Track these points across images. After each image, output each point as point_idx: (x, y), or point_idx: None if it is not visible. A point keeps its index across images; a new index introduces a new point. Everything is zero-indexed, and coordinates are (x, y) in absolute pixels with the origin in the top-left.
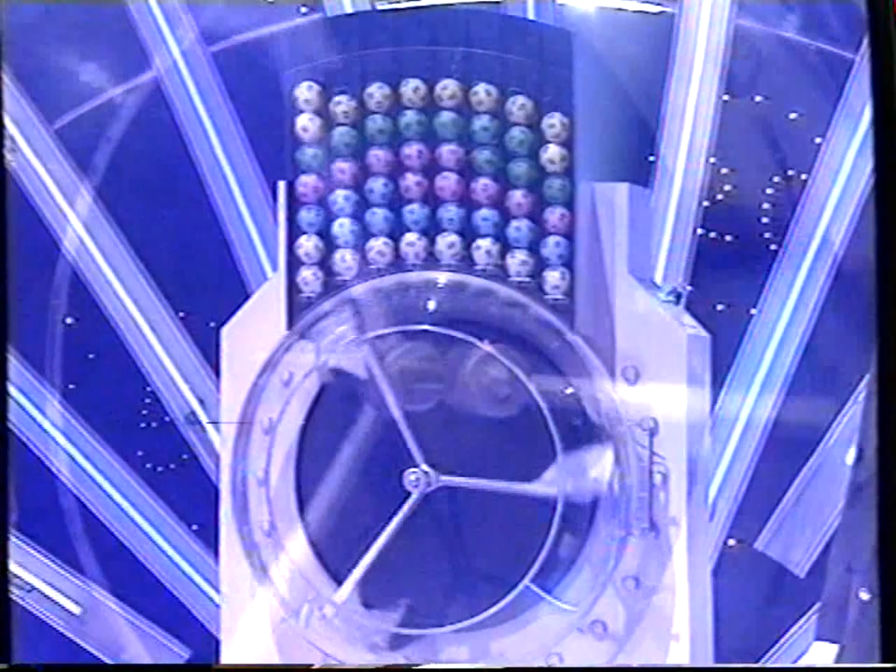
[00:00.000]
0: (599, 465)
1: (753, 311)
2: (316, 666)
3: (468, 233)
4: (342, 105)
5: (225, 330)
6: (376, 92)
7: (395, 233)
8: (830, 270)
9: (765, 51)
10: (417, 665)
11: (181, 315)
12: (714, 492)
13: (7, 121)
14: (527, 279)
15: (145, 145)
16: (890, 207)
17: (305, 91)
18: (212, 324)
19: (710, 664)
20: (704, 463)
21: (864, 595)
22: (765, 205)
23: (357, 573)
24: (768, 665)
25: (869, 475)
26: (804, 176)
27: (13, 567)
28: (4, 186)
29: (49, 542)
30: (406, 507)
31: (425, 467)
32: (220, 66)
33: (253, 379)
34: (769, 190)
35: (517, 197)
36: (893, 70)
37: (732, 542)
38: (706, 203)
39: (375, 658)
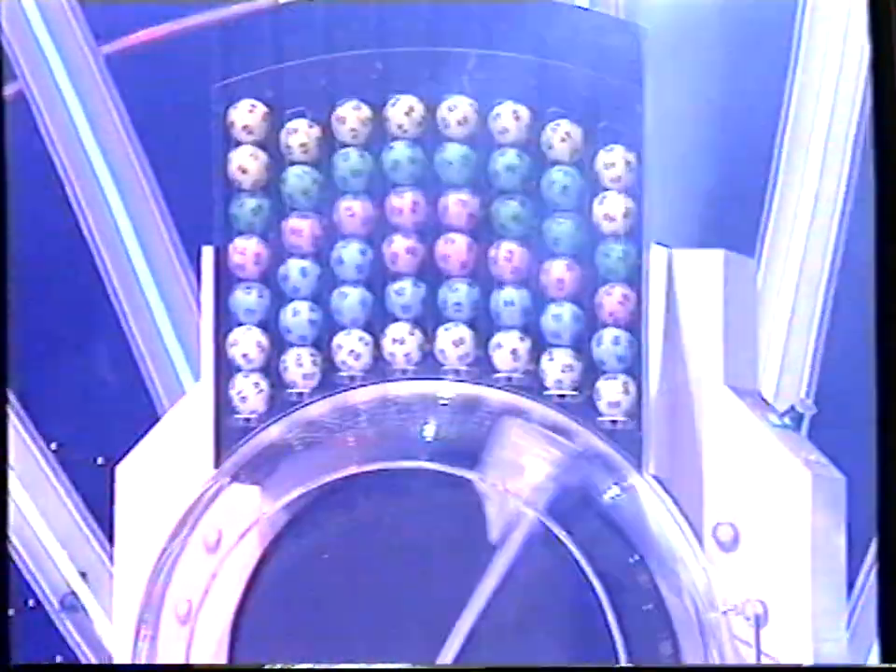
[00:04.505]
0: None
1: None
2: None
3: (483, 325)
4: (298, 133)
5: (121, 469)
6: (350, 115)
7: (375, 325)
8: None
9: None
10: (416, 665)
11: (53, 446)
12: None
13: None
14: (573, 392)
15: (3, 186)
16: (890, 208)
17: (245, 114)
18: (100, 459)
19: None
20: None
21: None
22: None
23: None
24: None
25: None
26: None
27: None
28: (4, 192)
29: None
30: None
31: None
32: (116, 75)
33: (163, 542)
34: None
35: (558, 270)
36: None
37: None
38: (837, 280)
39: None
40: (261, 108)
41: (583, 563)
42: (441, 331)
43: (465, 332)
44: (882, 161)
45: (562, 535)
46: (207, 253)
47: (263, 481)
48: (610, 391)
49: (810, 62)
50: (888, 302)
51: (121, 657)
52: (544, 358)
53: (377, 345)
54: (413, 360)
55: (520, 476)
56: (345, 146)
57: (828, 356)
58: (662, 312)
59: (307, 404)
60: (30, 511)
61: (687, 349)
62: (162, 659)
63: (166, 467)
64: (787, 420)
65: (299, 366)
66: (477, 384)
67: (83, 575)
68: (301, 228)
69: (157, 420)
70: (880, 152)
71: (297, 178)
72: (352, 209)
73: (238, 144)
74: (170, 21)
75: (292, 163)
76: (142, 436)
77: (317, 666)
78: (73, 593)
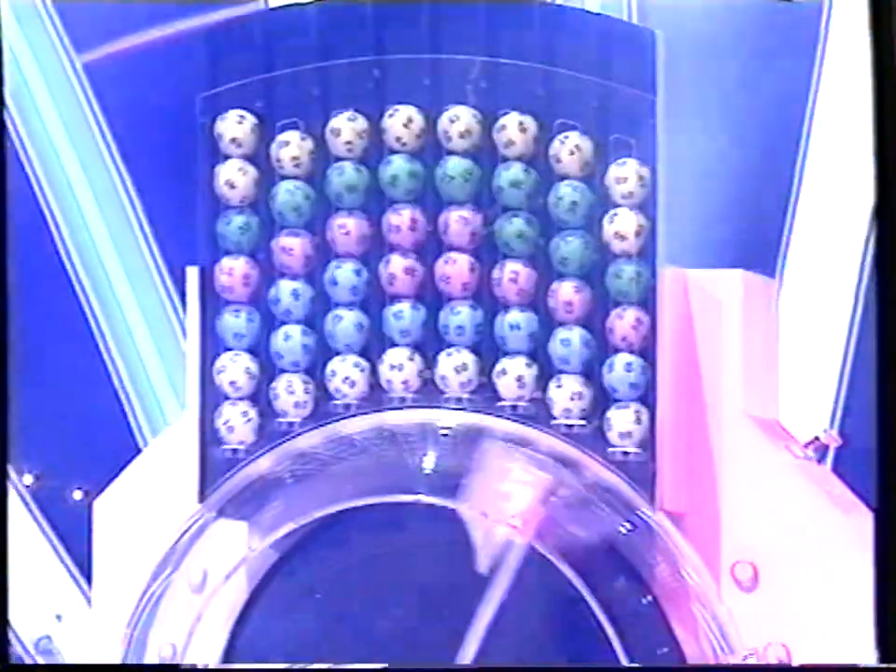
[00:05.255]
0: None
1: None
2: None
3: (487, 350)
4: (290, 146)
5: (99, 504)
6: (345, 127)
7: (372, 350)
8: None
9: None
10: (417, 665)
11: (27, 479)
12: None
13: None
14: (581, 422)
15: (3, 188)
16: (890, 210)
17: (233, 125)
18: (77, 493)
19: None
20: None
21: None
22: None
23: None
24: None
25: None
26: None
27: None
28: (4, 189)
29: None
30: None
31: None
32: (96, 85)
33: (145, 582)
34: None
35: (566, 292)
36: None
37: None
38: (864, 301)
39: None
40: (250, 119)
41: (592, 604)
42: (441, 357)
43: (467, 358)
44: (883, 161)
45: (570, 574)
46: (192, 274)
47: (251, 516)
48: (622, 420)
49: (836, 72)
50: (889, 306)
51: None
52: (552, 386)
53: (374, 372)
54: (411, 388)
55: (506, 502)
56: (340, 159)
57: (854, 383)
58: (677, 336)
59: (298, 434)
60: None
61: (703, 376)
62: None
63: (148, 501)
64: (810, 452)
65: (290, 394)
66: (480, 412)
67: (58, 617)
68: (292, 247)
69: (138, 451)
70: (881, 152)
71: (288, 194)
72: (346, 227)
73: (226, 157)
74: (153, 28)
75: (283, 178)
76: (122, 468)
77: (316, 666)
78: (46, 636)
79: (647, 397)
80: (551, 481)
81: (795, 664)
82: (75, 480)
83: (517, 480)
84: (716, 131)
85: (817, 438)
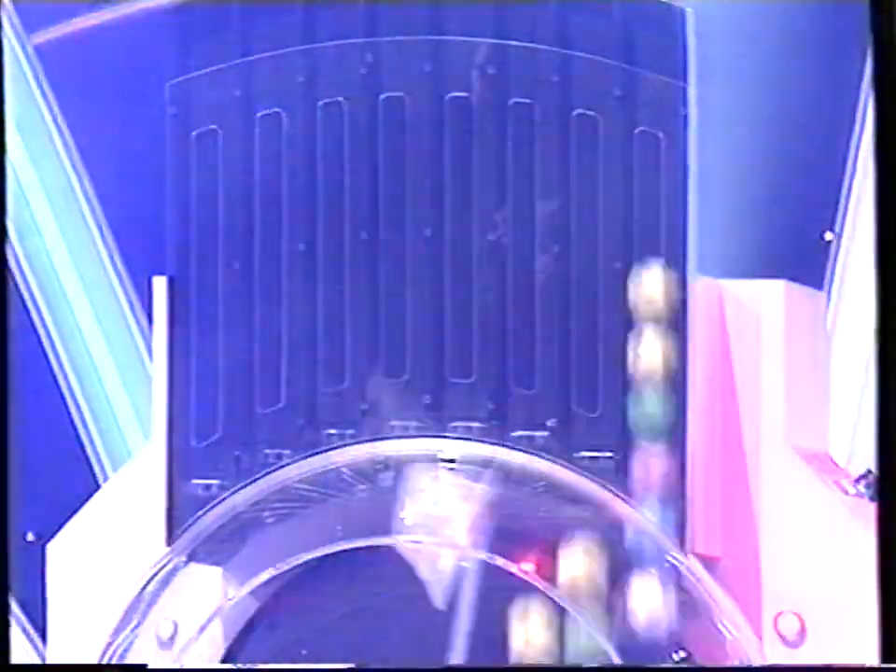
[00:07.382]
0: None
1: None
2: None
3: (492, 379)
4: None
5: (53, 547)
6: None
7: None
8: None
9: None
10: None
11: None
12: None
13: None
14: (607, 455)
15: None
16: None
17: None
18: (30, 535)
19: None
20: None
21: None
22: None
23: None
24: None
25: None
26: None
27: None
28: (3, 196)
29: None
30: None
31: None
32: (49, 70)
33: (106, 637)
34: None
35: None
36: None
37: None
38: None
39: None
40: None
41: (615, 658)
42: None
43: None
44: (883, 161)
45: (591, 630)
46: (159, 284)
47: (227, 560)
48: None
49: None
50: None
51: None
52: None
53: (365, 397)
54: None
55: (445, 526)
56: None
57: None
58: (709, 356)
59: (280, 467)
60: None
61: (740, 401)
62: None
63: (109, 544)
64: (862, 488)
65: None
66: (488, 444)
67: None
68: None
69: (97, 488)
70: (881, 151)
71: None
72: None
73: None
74: (113, 6)
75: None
76: (79, 507)
77: (313, 666)
78: None
79: (676, 425)
80: (489, 491)
81: None
82: (27, 519)
83: (451, 500)
84: (757, 123)
85: (870, 472)
